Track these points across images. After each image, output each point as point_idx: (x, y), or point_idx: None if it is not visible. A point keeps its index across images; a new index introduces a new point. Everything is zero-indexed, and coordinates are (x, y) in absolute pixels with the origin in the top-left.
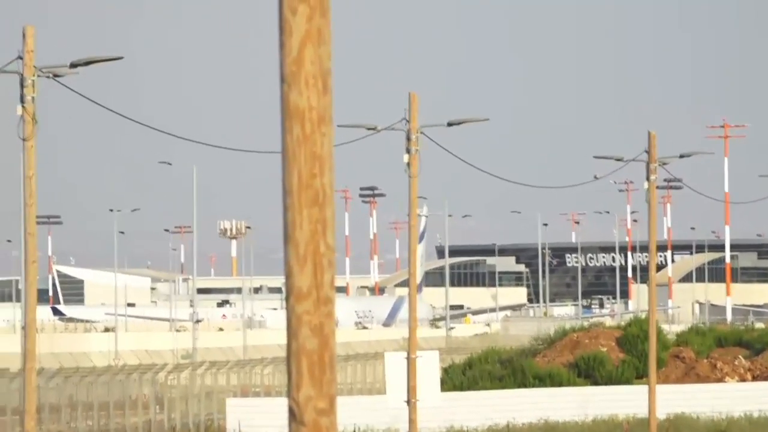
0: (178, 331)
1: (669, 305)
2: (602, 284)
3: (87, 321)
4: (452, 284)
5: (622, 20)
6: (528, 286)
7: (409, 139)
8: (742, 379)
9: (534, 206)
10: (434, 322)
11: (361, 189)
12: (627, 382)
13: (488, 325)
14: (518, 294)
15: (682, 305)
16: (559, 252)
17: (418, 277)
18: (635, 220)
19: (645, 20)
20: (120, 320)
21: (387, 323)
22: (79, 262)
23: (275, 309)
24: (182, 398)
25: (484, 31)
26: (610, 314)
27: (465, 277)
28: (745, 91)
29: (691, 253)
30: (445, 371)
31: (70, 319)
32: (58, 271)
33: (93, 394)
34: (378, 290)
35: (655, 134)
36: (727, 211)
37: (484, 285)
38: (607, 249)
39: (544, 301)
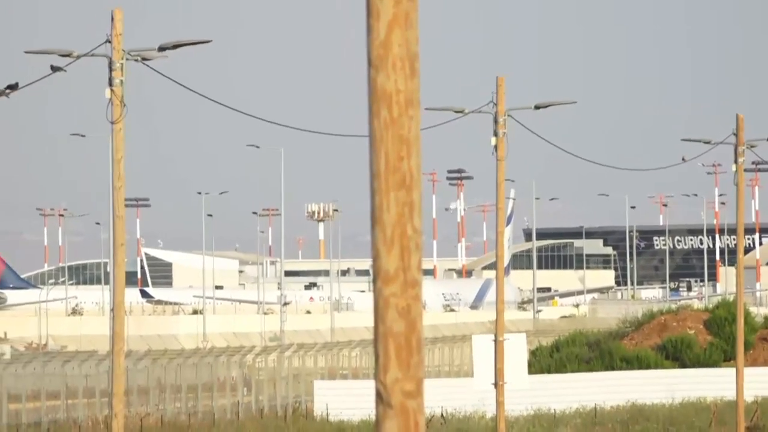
0: (265, 313)
1: (757, 288)
2: (690, 267)
3: (175, 303)
4: (539, 267)
5: (712, 3)
6: (615, 269)
7: (496, 122)
8: None
9: (622, 189)
10: (521, 305)
11: (449, 171)
12: (714, 364)
13: (576, 307)
14: (606, 277)
15: None
16: (647, 234)
17: (506, 260)
18: (723, 203)
19: (738, 3)
20: (208, 303)
21: (474, 306)
22: (167, 244)
23: (363, 291)
24: (270, 380)
25: (572, 13)
26: (698, 297)
27: (552, 260)
28: None
29: None
30: (533, 354)
31: (158, 302)
32: (146, 254)
33: (181, 376)
34: (465, 273)
35: (743, 117)
36: None
37: (571, 268)
38: (695, 231)
39: (632, 284)
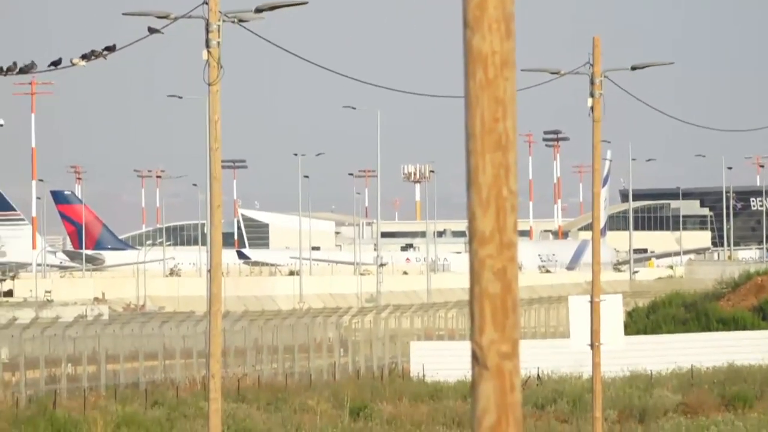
0: (362, 274)
1: None
2: None
3: (272, 264)
4: (636, 228)
5: None
6: (712, 230)
7: (592, 83)
8: None
9: (718, 150)
10: (617, 266)
11: (545, 133)
12: None
13: (672, 268)
14: (702, 238)
15: None
16: (744, 195)
17: (602, 221)
18: None
19: None
20: (305, 264)
21: (570, 267)
22: (263, 205)
23: (459, 252)
24: (366, 341)
25: None
26: None
27: (649, 221)
28: None
29: None
30: (629, 315)
31: (255, 263)
32: (243, 215)
33: (278, 337)
34: (561, 234)
35: None
36: None
37: (667, 229)
38: None
39: (729, 245)
